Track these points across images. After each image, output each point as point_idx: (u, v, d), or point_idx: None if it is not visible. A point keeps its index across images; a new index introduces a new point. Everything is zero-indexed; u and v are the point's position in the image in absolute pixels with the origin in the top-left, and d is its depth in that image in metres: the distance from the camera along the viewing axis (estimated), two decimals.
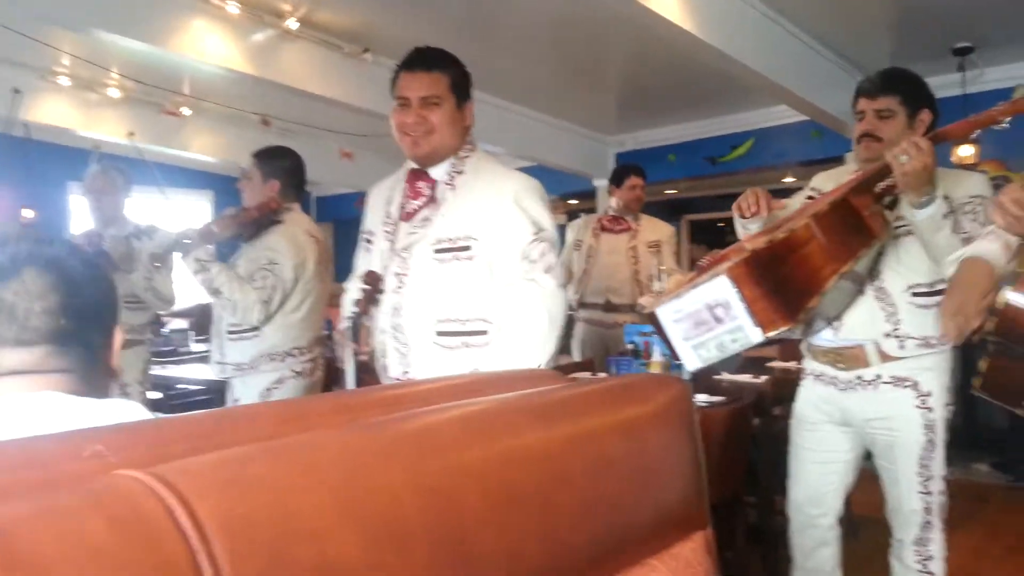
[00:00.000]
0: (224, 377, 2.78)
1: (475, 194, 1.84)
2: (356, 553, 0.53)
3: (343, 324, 1.98)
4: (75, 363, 1.01)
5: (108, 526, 0.43)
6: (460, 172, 1.88)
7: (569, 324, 4.34)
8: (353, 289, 2.01)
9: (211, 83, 5.56)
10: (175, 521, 0.45)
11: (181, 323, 5.47)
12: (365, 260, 1.98)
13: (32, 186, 6.78)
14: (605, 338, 3.93)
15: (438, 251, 1.81)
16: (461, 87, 1.89)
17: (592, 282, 4.09)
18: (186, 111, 6.26)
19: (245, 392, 2.70)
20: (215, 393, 4.04)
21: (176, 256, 2.79)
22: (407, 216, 1.89)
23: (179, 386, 4.32)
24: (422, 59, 1.86)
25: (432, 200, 1.87)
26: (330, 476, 0.55)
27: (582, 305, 4.16)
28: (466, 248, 1.79)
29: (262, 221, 2.70)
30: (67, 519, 0.43)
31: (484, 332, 1.81)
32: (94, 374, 1.05)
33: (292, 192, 2.85)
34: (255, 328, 2.64)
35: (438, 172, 1.89)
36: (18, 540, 0.41)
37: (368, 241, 1.99)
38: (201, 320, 6.64)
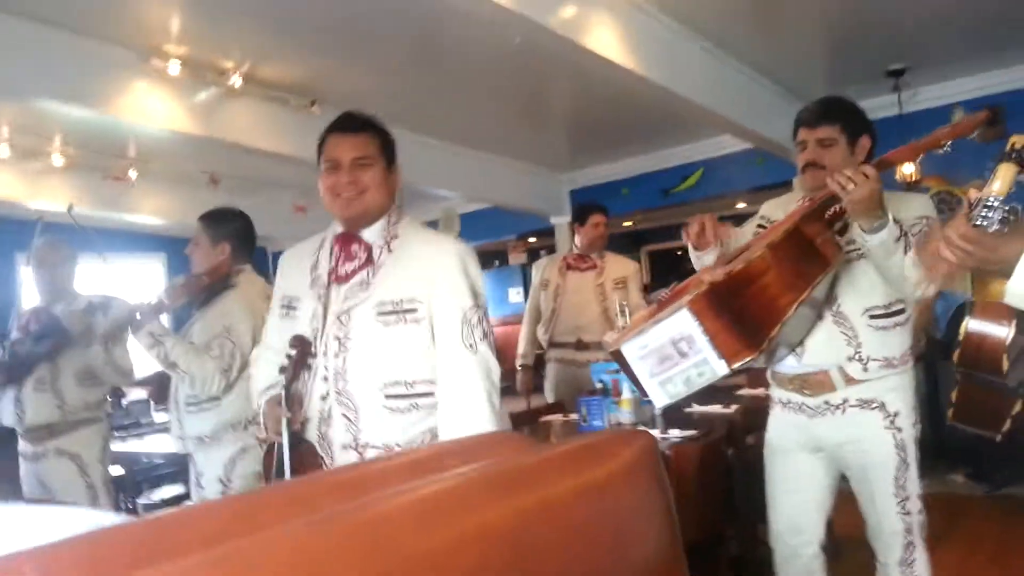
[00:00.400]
0: (185, 452, 2.68)
1: (417, 258, 1.84)
2: None
3: (267, 394, 1.89)
4: None
5: None
6: (395, 236, 1.88)
7: (540, 364, 4.34)
8: (266, 359, 1.96)
9: (157, 144, 5.50)
10: None
11: (140, 393, 5.31)
12: (289, 326, 1.90)
13: None
14: (578, 377, 3.92)
15: (381, 313, 1.79)
16: (389, 150, 1.90)
17: (561, 322, 4.09)
18: (133, 174, 6.17)
19: (208, 466, 2.60)
20: (180, 465, 3.92)
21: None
22: (341, 279, 1.85)
23: (144, 460, 4.18)
24: (352, 122, 1.87)
25: (369, 262, 1.85)
26: None
27: (552, 345, 4.15)
28: (412, 310, 1.79)
29: (214, 287, 2.63)
30: None
31: (431, 394, 1.82)
32: None
33: (243, 254, 2.78)
34: (215, 398, 2.56)
35: (371, 235, 1.88)
36: None
37: (291, 307, 1.92)
38: (160, 389, 6.45)
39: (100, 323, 3.02)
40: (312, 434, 1.81)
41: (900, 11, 4.24)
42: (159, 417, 4.73)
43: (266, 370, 1.94)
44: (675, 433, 2.69)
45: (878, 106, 4.97)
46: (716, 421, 2.96)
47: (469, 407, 1.79)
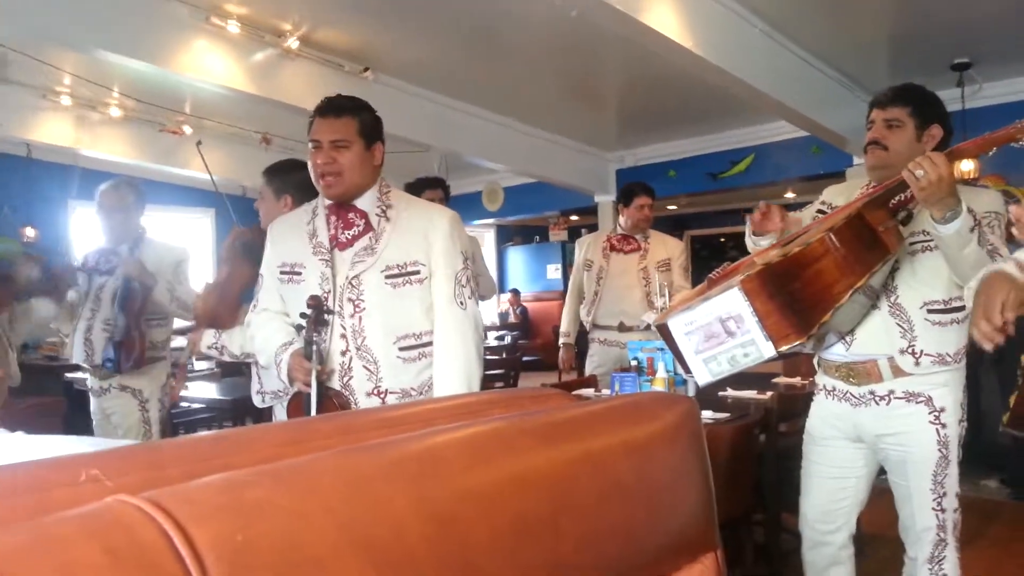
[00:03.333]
0: (263, 405, 2.76)
1: (412, 225, 2.04)
2: None
3: (287, 349, 2.02)
4: None
5: (104, 556, 0.41)
6: (389, 206, 2.06)
7: (584, 344, 4.34)
8: (266, 322, 2.11)
9: (212, 102, 5.58)
10: (173, 549, 0.43)
11: (181, 341, 5.45)
12: (291, 289, 2.05)
13: (33, 205, 6.79)
14: (621, 358, 3.90)
15: (389, 276, 1.99)
16: (370, 131, 2.04)
17: (603, 305, 4.06)
18: (187, 130, 6.28)
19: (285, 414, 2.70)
20: (217, 411, 4.03)
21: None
22: (342, 245, 2.02)
23: (182, 405, 4.30)
24: (331, 106, 2.02)
25: (368, 228, 2.02)
26: (332, 501, 0.54)
27: (595, 326, 4.13)
28: (416, 272, 2.01)
29: None
30: (63, 549, 0.41)
31: (432, 343, 2.05)
32: None
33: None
34: None
35: (364, 203, 2.04)
36: (14, 568, 0.39)
37: (293, 272, 2.07)
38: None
39: (167, 263, 3.14)
40: (335, 385, 1.99)
41: (968, 4, 4.10)
42: (199, 365, 4.85)
43: (268, 330, 2.11)
44: (708, 414, 2.67)
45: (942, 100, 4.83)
46: (750, 406, 2.94)
47: (461, 359, 2.02)
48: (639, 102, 6.06)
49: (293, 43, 4.57)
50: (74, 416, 5.06)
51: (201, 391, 4.18)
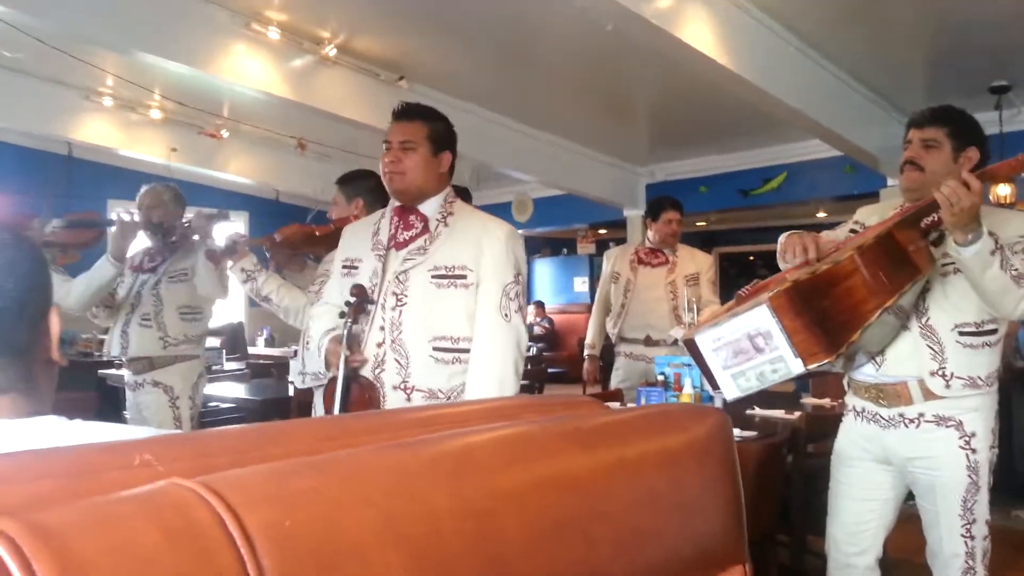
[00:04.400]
0: (304, 386, 2.84)
1: (469, 232, 2.08)
2: (399, 573, 0.52)
3: (329, 335, 2.12)
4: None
5: (161, 535, 0.43)
6: (451, 214, 2.13)
7: (610, 357, 4.33)
8: (323, 314, 2.21)
9: (249, 106, 5.68)
10: (226, 532, 0.45)
11: (213, 341, 5.53)
12: (348, 283, 2.13)
13: (73, 203, 6.94)
14: (647, 372, 3.89)
15: (435, 276, 2.04)
16: (439, 139, 2.12)
17: (630, 318, 4.05)
18: (225, 133, 6.39)
19: (322, 406, 2.76)
20: (246, 412, 4.08)
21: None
22: (399, 244, 2.10)
23: (211, 404, 4.36)
24: (404, 111, 2.13)
25: (426, 231, 2.09)
26: (373, 493, 0.55)
27: (621, 340, 4.12)
28: (463, 276, 2.04)
29: (339, 237, 2.78)
30: (121, 526, 0.43)
31: (469, 350, 2.05)
32: (26, 382, 0.87)
33: (376, 208, 2.93)
34: None
35: (428, 208, 2.12)
36: (73, 544, 0.41)
37: (352, 267, 2.18)
38: (232, 339, 6.73)
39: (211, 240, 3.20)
40: (368, 375, 2.04)
41: (1008, 26, 4.06)
42: (229, 365, 4.92)
43: (323, 320, 2.20)
44: (735, 432, 2.66)
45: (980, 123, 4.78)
46: (778, 425, 2.92)
47: (496, 368, 2.01)
48: (671, 117, 6.06)
49: (331, 51, 4.65)
50: (107, 412, 5.16)
51: (230, 391, 4.23)
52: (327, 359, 2.10)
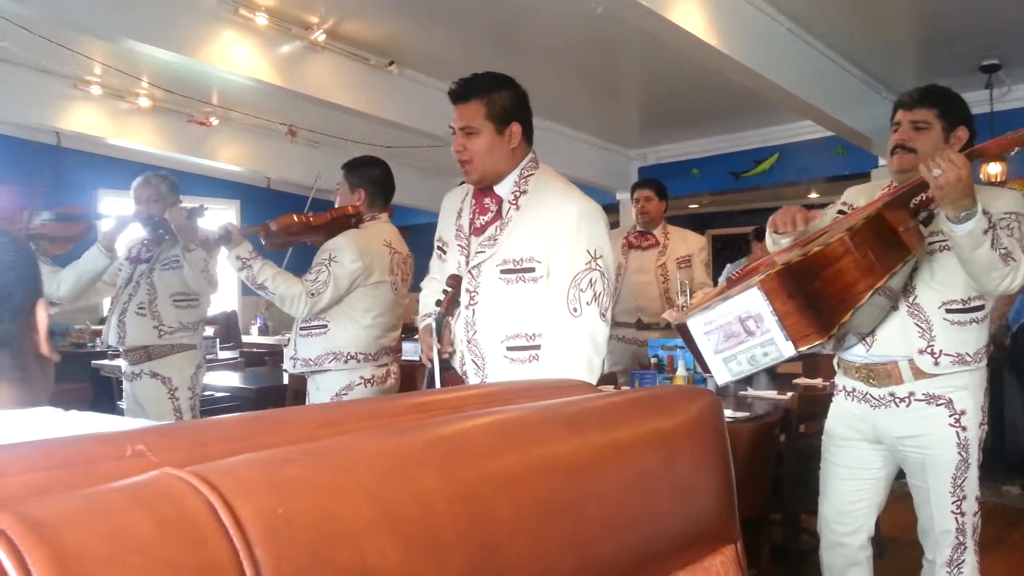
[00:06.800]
0: (296, 372, 2.87)
1: (538, 216, 1.92)
2: (394, 559, 0.52)
3: (425, 322, 2.06)
4: None
5: (154, 524, 0.43)
6: (524, 192, 1.96)
7: None
8: (430, 289, 2.14)
9: (238, 94, 5.64)
10: (219, 521, 0.45)
11: (208, 331, 5.53)
12: (439, 265, 2.09)
13: (61, 193, 6.90)
14: (639, 355, 3.91)
15: (504, 271, 1.91)
16: (503, 112, 1.95)
17: (622, 302, 4.07)
18: (214, 121, 6.34)
19: (317, 395, 2.78)
20: (242, 400, 4.09)
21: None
22: (477, 231, 1.99)
23: (206, 393, 4.36)
24: (459, 92, 1.97)
25: (498, 216, 1.96)
26: (366, 479, 0.56)
27: (614, 323, 4.13)
28: (531, 270, 1.89)
29: (336, 226, 2.77)
30: (114, 516, 0.43)
31: None
32: (18, 372, 0.87)
33: (380, 200, 2.93)
34: (323, 325, 2.72)
35: (503, 189, 1.98)
36: (66, 535, 0.41)
37: (442, 250, 2.10)
38: (227, 328, 6.71)
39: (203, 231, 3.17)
40: (457, 367, 1.99)
41: (997, 5, 4.06)
42: (224, 354, 4.92)
43: (429, 295, 2.12)
44: (727, 413, 2.68)
45: (968, 102, 4.78)
46: (770, 406, 2.94)
47: (568, 369, 1.86)
48: (662, 99, 6.04)
49: (320, 36, 4.61)
50: (101, 403, 5.15)
51: (225, 380, 4.23)
52: (421, 347, 2.06)
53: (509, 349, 1.91)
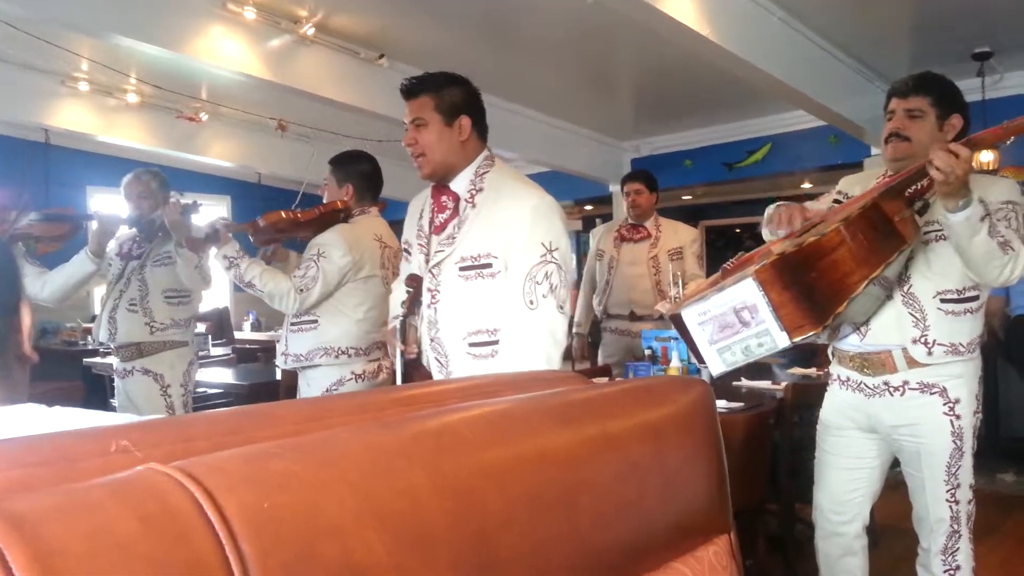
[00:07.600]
0: (287, 368, 2.85)
1: (494, 212, 1.93)
2: (380, 552, 0.52)
3: (391, 324, 2.10)
4: None
5: (137, 521, 0.43)
6: (480, 190, 1.97)
7: (596, 333, 4.35)
8: (398, 291, 2.15)
9: (228, 89, 5.60)
10: (204, 516, 0.45)
11: (200, 327, 5.51)
12: (405, 267, 2.12)
13: (51, 190, 6.86)
14: (633, 346, 3.92)
15: (463, 269, 1.92)
16: (450, 106, 1.97)
17: (614, 294, 4.08)
18: (203, 116, 6.31)
19: (308, 391, 2.78)
20: (234, 396, 4.08)
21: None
22: (437, 229, 2.01)
23: (199, 389, 4.35)
24: (407, 88, 2.01)
25: (455, 214, 1.97)
26: (352, 473, 0.55)
27: (607, 316, 4.15)
28: (488, 265, 1.90)
29: (325, 221, 2.76)
30: (96, 513, 0.43)
31: None
32: (1, 372, 0.87)
33: (368, 195, 2.91)
34: (314, 320, 2.71)
35: (458, 186, 1.99)
36: (46, 531, 0.41)
37: (407, 252, 2.12)
38: (219, 324, 6.69)
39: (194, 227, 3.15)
40: (426, 365, 2.01)
41: None
42: (216, 351, 4.91)
43: (396, 297, 2.16)
44: (722, 404, 2.68)
45: (960, 90, 4.79)
46: (764, 396, 2.94)
47: (526, 362, 1.85)
48: (655, 91, 6.03)
49: (309, 30, 4.57)
50: (93, 401, 5.13)
51: (218, 376, 4.22)
52: (388, 349, 2.09)
53: (471, 345, 1.92)
